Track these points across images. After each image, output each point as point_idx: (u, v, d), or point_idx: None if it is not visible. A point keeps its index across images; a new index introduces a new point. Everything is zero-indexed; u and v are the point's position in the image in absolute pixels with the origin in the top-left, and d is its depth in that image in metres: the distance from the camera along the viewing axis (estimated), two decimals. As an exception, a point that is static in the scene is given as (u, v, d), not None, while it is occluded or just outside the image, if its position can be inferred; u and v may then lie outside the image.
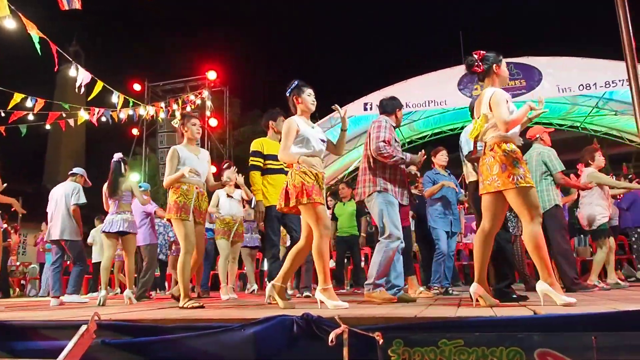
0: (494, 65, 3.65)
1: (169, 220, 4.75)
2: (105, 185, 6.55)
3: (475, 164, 4.30)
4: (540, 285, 3.36)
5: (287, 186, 3.96)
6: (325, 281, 3.80)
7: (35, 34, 5.98)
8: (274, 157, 5.30)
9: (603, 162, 6.58)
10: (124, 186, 6.45)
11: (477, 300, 3.55)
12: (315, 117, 15.18)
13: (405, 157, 4.77)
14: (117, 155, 6.72)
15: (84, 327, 2.61)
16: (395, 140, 4.85)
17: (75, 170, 7.27)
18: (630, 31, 2.31)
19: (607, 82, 10.74)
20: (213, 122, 15.76)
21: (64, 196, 6.88)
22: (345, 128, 4.37)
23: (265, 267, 10.24)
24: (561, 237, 5.56)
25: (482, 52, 3.70)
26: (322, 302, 3.77)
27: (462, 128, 15.09)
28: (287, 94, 4.24)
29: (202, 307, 4.27)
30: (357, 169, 17.05)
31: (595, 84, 10.84)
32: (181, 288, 4.48)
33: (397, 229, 4.57)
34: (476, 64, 3.67)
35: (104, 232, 6.40)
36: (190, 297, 4.44)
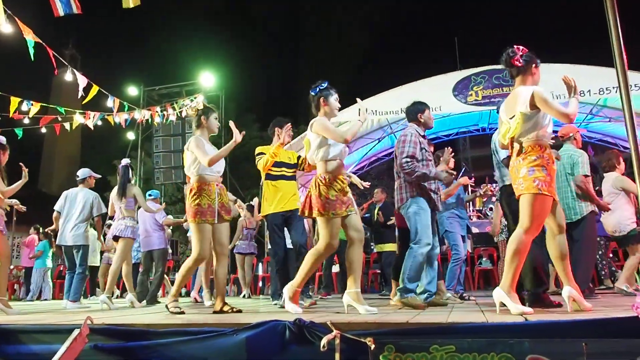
0: (533, 64, 3.53)
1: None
2: (113, 191, 6.69)
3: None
4: (496, 293, 3.35)
5: (311, 194, 3.93)
6: (356, 284, 3.79)
7: (30, 38, 5.96)
8: (278, 164, 5.36)
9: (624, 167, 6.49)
10: (129, 192, 6.60)
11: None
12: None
13: (430, 172, 4.76)
14: (125, 161, 6.87)
15: (76, 331, 2.61)
16: (423, 149, 4.87)
17: (81, 174, 7.08)
18: (620, 38, 2.33)
19: (601, 89, 10.79)
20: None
21: (82, 204, 6.79)
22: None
23: (260, 272, 10.26)
24: (592, 244, 5.48)
25: (523, 48, 3.56)
26: (351, 306, 3.72)
27: (457, 134, 15.24)
28: (313, 93, 4.16)
29: (182, 312, 4.18)
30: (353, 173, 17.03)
31: (589, 90, 10.88)
32: (174, 287, 4.39)
33: (427, 235, 4.61)
34: (517, 57, 3.51)
35: (114, 237, 6.58)
36: (177, 299, 4.33)
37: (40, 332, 3.01)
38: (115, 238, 6.62)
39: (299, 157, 5.57)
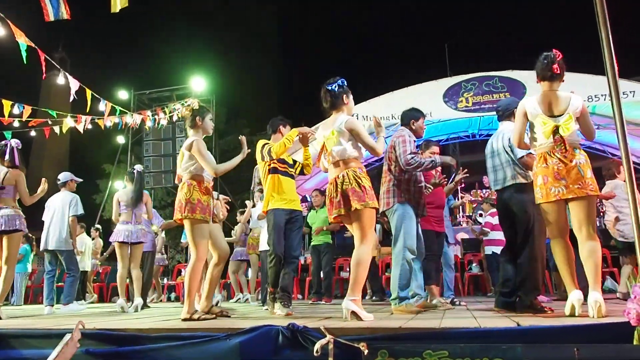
0: (564, 72, 3.64)
1: (180, 220, 4.27)
2: (121, 195, 6.63)
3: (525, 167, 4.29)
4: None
5: (341, 189, 3.76)
6: (358, 291, 3.64)
7: (23, 41, 5.93)
8: (282, 161, 5.20)
9: None
10: (144, 199, 6.66)
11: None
12: (301, 126, 15.24)
13: (436, 159, 4.82)
14: (139, 167, 6.86)
15: (68, 336, 2.60)
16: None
17: (62, 177, 7.14)
18: (612, 46, 2.36)
19: (589, 97, 10.87)
20: (199, 131, 15.70)
21: (61, 206, 6.87)
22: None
23: (249, 275, 10.22)
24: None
25: (560, 53, 3.64)
26: (352, 311, 3.56)
27: (447, 140, 15.29)
28: (330, 88, 4.05)
29: (214, 317, 4.05)
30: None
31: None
32: (187, 299, 4.07)
33: (412, 241, 4.61)
34: (557, 63, 3.59)
35: (119, 242, 6.43)
36: (196, 309, 4.07)
37: (31, 337, 2.99)
38: (135, 243, 6.55)
39: (294, 161, 5.42)
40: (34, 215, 6.77)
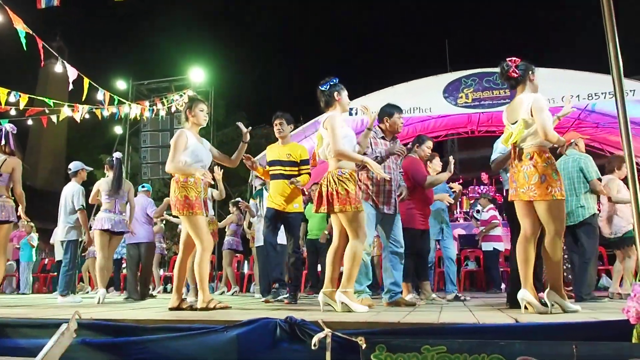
0: (530, 72, 3.69)
1: (175, 217, 4.36)
2: (100, 182, 6.67)
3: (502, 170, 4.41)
4: (522, 293, 3.43)
5: (326, 190, 3.88)
6: (350, 284, 3.76)
7: (21, 28, 5.90)
8: (272, 163, 5.38)
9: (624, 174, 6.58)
10: (125, 186, 6.66)
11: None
12: (299, 120, 15.18)
13: (381, 154, 4.88)
14: (117, 154, 6.82)
15: (64, 326, 2.58)
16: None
17: (73, 167, 7.12)
18: (617, 44, 2.34)
19: (589, 94, 10.86)
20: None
21: (64, 198, 6.88)
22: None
23: (246, 269, 10.22)
24: (595, 246, 5.59)
25: (516, 59, 3.71)
26: (343, 303, 3.69)
27: (446, 135, 15.29)
28: (323, 89, 4.11)
29: (230, 307, 4.08)
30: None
31: (578, 95, 10.94)
32: (200, 289, 4.17)
33: (367, 237, 4.59)
34: (512, 69, 3.67)
35: (103, 230, 6.42)
36: (212, 298, 4.18)
37: (27, 327, 2.97)
38: (119, 233, 6.62)
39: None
40: (35, 205, 6.77)
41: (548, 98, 10.29)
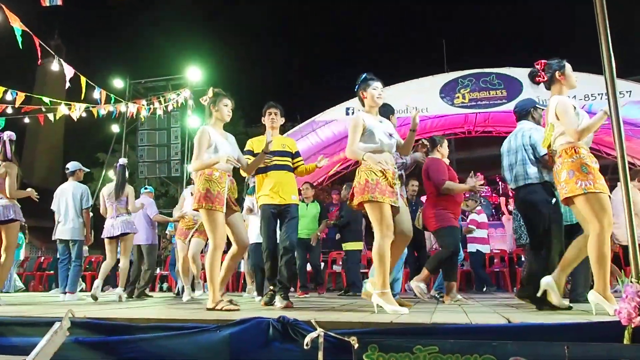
0: (557, 72, 3.67)
1: (196, 210, 4.21)
2: (104, 189, 6.86)
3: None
4: (592, 295, 3.28)
5: (353, 183, 3.91)
6: (384, 285, 3.64)
7: (18, 26, 5.89)
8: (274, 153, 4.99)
9: None
10: (125, 192, 6.76)
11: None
12: (296, 119, 15.20)
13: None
14: (122, 160, 7.04)
15: (57, 325, 2.58)
16: None
17: (71, 167, 7.28)
18: (610, 45, 2.35)
19: (586, 95, 10.90)
20: (194, 122, 15.68)
21: (72, 197, 7.04)
22: (415, 129, 4.21)
23: (242, 268, 10.18)
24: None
25: (543, 61, 3.70)
26: (379, 306, 3.62)
27: (444, 135, 15.30)
28: (356, 89, 4.12)
29: (238, 309, 3.87)
30: (337, 173, 17.07)
31: (574, 96, 10.99)
32: (210, 288, 4.05)
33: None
34: (539, 74, 3.68)
35: (107, 238, 6.66)
36: (221, 299, 4.01)
37: (20, 325, 2.97)
38: (122, 235, 6.67)
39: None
40: (32, 204, 6.79)
41: (544, 99, 10.38)
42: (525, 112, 4.63)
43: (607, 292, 3.22)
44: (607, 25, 2.32)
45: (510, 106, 11.96)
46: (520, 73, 12.01)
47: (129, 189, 6.86)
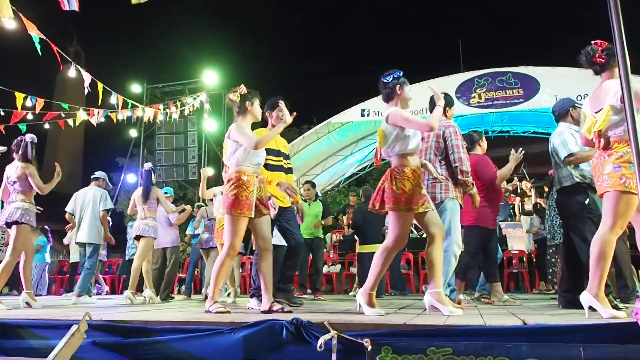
0: (613, 58, 3.28)
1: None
2: (135, 192, 7.10)
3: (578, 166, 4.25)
4: (585, 296, 3.19)
5: (382, 186, 3.75)
6: (438, 285, 3.64)
7: (35, 34, 5.99)
8: (274, 153, 4.86)
9: None
10: (153, 194, 6.94)
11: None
12: (312, 122, 15.19)
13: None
14: (147, 165, 7.26)
15: (75, 327, 2.62)
16: None
17: (98, 174, 7.61)
18: (624, 43, 2.32)
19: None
20: (211, 125, 15.77)
21: (91, 201, 7.26)
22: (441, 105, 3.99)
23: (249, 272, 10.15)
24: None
25: (602, 42, 3.37)
26: (435, 307, 3.59)
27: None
28: (386, 81, 3.90)
29: (228, 312, 3.82)
30: (353, 175, 17.03)
31: (586, 94, 10.85)
32: (211, 289, 4.04)
33: (458, 236, 4.57)
34: (597, 54, 3.35)
35: (133, 238, 6.98)
36: (217, 301, 3.97)
37: (39, 327, 3.02)
38: (137, 237, 6.85)
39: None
40: (53, 208, 6.93)
41: (562, 97, 10.27)
42: (565, 112, 4.56)
43: (601, 293, 3.12)
44: (622, 23, 2.29)
45: (526, 105, 11.87)
46: (537, 72, 11.88)
47: (158, 192, 7.04)
